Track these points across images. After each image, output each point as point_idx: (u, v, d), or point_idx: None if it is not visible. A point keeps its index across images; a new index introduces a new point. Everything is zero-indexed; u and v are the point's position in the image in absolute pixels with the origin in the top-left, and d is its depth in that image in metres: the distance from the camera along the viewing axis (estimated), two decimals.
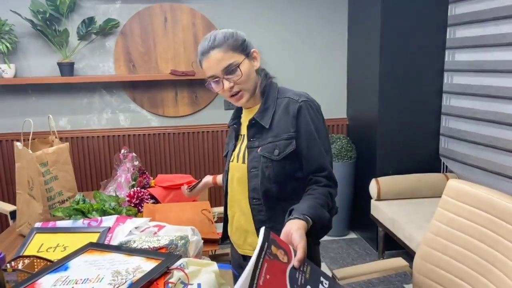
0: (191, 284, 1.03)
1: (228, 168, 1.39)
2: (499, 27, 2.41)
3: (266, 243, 0.97)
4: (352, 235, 3.29)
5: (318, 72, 3.27)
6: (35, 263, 1.17)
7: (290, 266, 0.99)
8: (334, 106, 3.30)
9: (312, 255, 1.36)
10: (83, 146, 3.05)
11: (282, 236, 1.08)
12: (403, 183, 2.83)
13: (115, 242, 1.29)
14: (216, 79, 1.26)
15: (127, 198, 1.65)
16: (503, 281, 1.21)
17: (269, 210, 1.30)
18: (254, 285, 0.87)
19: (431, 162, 2.98)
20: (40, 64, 2.94)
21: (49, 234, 1.39)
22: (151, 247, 1.20)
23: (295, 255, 1.01)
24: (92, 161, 3.07)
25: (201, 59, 1.27)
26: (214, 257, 1.49)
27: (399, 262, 1.56)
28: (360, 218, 3.20)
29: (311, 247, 1.29)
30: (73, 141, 3.02)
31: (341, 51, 3.29)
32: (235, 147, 1.39)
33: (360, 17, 3.07)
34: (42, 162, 1.55)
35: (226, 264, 1.35)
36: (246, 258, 1.39)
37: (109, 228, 1.37)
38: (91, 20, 2.88)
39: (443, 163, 2.98)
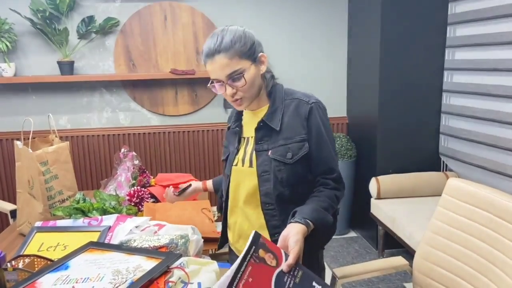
0: (192, 283, 1.03)
1: (230, 172, 1.34)
2: (499, 26, 2.41)
3: (254, 247, 0.97)
4: (352, 234, 3.29)
5: (318, 70, 3.26)
6: (36, 262, 1.17)
7: (278, 270, 0.99)
8: (334, 105, 3.30)
9: (315, 259, 1.35)
10: (83, 145, 3.05)
11: (280, 239, 1.08)
12: (403, 181, 2.83)
13: (115, 241, 1.29)
14: (220, 83, 1.23)
15: (127, 197, 1.65)
16: (503, 280, 1.21)
17: (282, 214, 1.27)
18: (233, 287, 0.87)
19: (431, 161, 2.98)
20: (40, 63, 2.94)
21: (50, 233, 1.39)
22: (152, 246, 1.20)
23: (286, 259, 1.01)
24: (92, 160, 3.07)
25: (206, 60, 1.23)
26: (214, 256, 1.49)
27: (399, 261, 1.56)
28: (360, 217, 3.20)
29: (312, 251, 1.28)
30: (73, 140, 3.02)
31: (341, 50, 3.29)
32: (238, 150, 1.34)
33: (360, 15, 3.07)
34: (42, 161, 1.55)
35: (226, 263, 1.35)
36: None
37: (109, 227, 1.37)
38: (91, 19, 2.88)
39: (443, 162, 2.98)
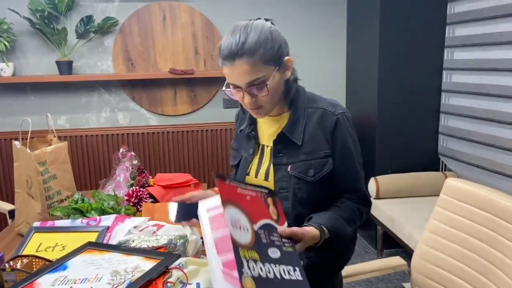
0: (190, 284, 1.03)
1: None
2: (498, 26, 2.41)
3: (268, 190, 0.98)
4: None
5: (317, 70, 3.26)
6: (34, 263, 1.16)
7: (271, 222, 0.99)
8: (332, 100, 3.29)
9: (331, 285, 1.23)
10: (81, 145, 3.04)
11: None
12: (402, 181, 2.83)
13: (113, 241, 1.29)
14: (237, 88, 1.08)
15: (126, 197, 1.64)
16: (502, 279, 1.21)
17: None
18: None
19: (430, 161, 2.98)
20: (39, 63, 2.93)
21: (48, 233, 1.39)
22: (150, 246, 1.19)
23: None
24: (91, 160, 3.07)
25: (223, 62, 1.05)
26: None
27: (397, 261, 1.56)
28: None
29: (329, 273, 1.18)
30: (72, 140, 3.02)
31: (340, 50, 3.29)
32: (252, 158, 1.21)
33: (359, 15, 3.07)
34: (41, 161, 1.54)
35: None
36: None
37: (108, 228, 1.37)
38: (89, 19, 2.87)
39: (442, 162, 2.98)
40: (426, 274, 1.45)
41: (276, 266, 0.93)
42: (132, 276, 1.02)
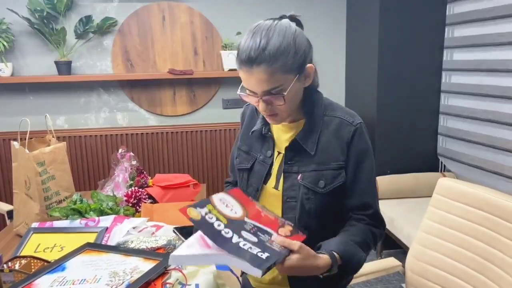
0: (189, 285, 1.02)
1: (260, 189, 1.14)
2: (497, 26, 2.41)
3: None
4: None
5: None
6: (32, 264, 1.16)
7: (264, 227, 0.97)
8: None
9: None
10: (80, 145, 3.04)
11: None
12: (401, 182, 2.83)
13: (112, 242, 1.29)
14: (253, 94, 1.02)
15: (125, 198, 1.64)
16: (502, 277, 1.21)
17: None
18: None
19: (429, 162, 2.98)
20: (38, 63, 2.92)
21: (46, 234, 1.38)
22: (149, 247, 1.19)
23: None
24: (89, 161, 3.06)
25: (240, 66, 0.99)
26: None
27: (391, 262, 1.56)
28: None
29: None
30: (71, 140, 3.01)
31: (339, 51, 3.29)
32: (272, 161, 1.14)
33: (359, 16, 3.07)
34: (39, 161, 1.54)
35: (224, 265, 1.34)
36: None
37: (107, 228, 1.36)
38: (88, 19, 2.87)
39: (441, 163, 2.98)
40: (422, 274, 1.45)
41: (241, 240, 0.91)
42: (131, 277, 1.02)
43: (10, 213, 2.15)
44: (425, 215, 1.47)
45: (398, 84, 2.86)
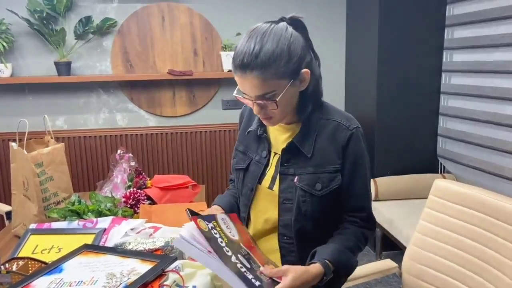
0: (186, 287, 1.02)
1: (254, 189, 1.15)
2: (497, 28, 2.41)
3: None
4: None
5: None
6: (30, 265, 1.16)
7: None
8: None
9: None
10: (80, 146, 3.04)
11: (283, 268, 0.97)
12: (400, 183, 2.83)
13: (110, 243, 1.28)
14: (248, 96, 1.04)
15: (123, 199, 1.64)
16: (499, 278, 1.21)
17: (301, 251, 1.11)
18: None
19: (429, 163, 2.97)
20: (37, 64, 2.92)
21: (44, 235, 1.38)
22: (147, 249, 1.19)
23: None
24: (89, 161, 3.06)
25: (235, 70, 1.01)
26: None
27: (388, 263, 1.55)
28: None
29: None
30: (70, 141, 3.01)
31: (339, 51, 3.29)
32: (267, 163, 1.15)
33: (358, 17, 3.07)
34: (37, 162, 1.53)
35: None
36: None
37: (105, 230, 1.36)
38: (88, 20, 2.86)
39: (441, 164, 2.97)
40: (418, 276, 1.45)
41: (238, 262, 0.96)
42: (128, 279, 1.02)
43: (8, 214, 2.14)
44: (421, 216, 1.47)
45: (397, 85, 2.85)
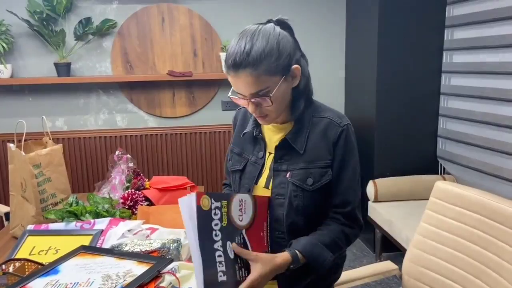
0: None
1: (252, 190, 1.17)
2: (497, 29, 2.40)
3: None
4: None
5: (316, 73, 3.22)
6: (26, 266, 1.16)
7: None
8: (332, 107, 3.29)
9: None
10: (79, 147, 3.04)
11: (255, 255, 1.02)
12: (400, 184, 2.82)
13: (107, 245, 1.28)
14: (242, 96, 1.07)
15: (121, 200, 1.63)
16: (498, 282, 1.21)
17: None
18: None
19: (429, 164, 2.97)
20: (37, 65, 2.93)
21: (42, 236, 1.38)
22: (143, 250, 1.19)
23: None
24: (89, 162, 3.06)
25: (228, 71, 1.04)
26: None
27: (388, 265, 1.55)
28: None
29: None
30: (70, 142, 3.01)
31: (339, 53, 3.28)
32: (263, 164, 1.17)
33: (358, 18, 3.06)
34: (35, 163, 1.54)
35: None
36: None
37: (102, 231, 1.36)
38: (88, 21, 2.87)
39: (441, 165, 2.97)
40: (418, 278, 1.45)
41: (220, 250, 0.98)
42: (124, 280, 1.02)
43: (7, 215, 2.15)
44: (422, 218, 1.46)
45: (397, 86, 2.85)
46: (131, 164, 1.81)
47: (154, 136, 3.11)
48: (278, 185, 1.13)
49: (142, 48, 3.01)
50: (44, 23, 2.78)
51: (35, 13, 2.74)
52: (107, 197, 1.63)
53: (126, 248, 1.20)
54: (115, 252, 1.18)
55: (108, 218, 1.43)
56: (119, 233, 1.31)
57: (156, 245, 1.20)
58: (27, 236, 1.38)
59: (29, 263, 1.16)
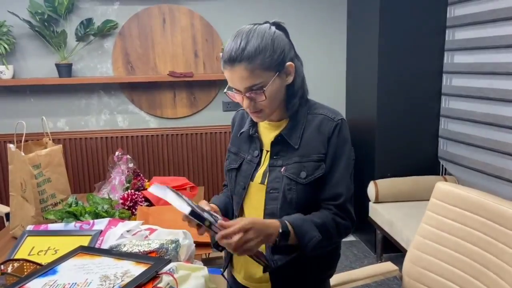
0: None
1: (247, 187, 1.19)
2: (498, 29, 2.39)
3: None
4: (351, 238, 3.28)
5: (317, 74, 3.25)
6: (25, 267, 1.16)
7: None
8: (333, 108, 3.28)
9: None
10: (81, 147, 3.04)
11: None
12: (401, 185, 2.81)
13: (106, 245, 1.28)
14: (238, 92, 1.09)
15: (121, 201, 1.64)
16: (498, 283, 1.20)
17: None
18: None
19: (430, 165, 2.96)
20: (38, 65, 2.94)
21: (41, 237, 1.38)
22: (142, 251, 1.18)
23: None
24: (90, 163, 3.07)
25: (224, 66, 1.08)
26: (207, 261, 1.48)
27: (388, 266, 1.54)
28: (359, 221, 3.17)
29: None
30: (71, 143, 3.02)
31: (340, 53, 3.28)
32: (259, 162, 1.19)
33: (359, 19, 3.06)
34: (35, 164, 1.54)
35: (218, 268, 1.34)
36: None
37: (101, 231, 1.36)
38: (89, 22, 2.88)
39: (442, 166, 2.96)
40: (418, 279, 1.44)
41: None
42: (122, 281, 1.01)
43: (8, 215, 2.15)
44: (423, 219, 1.46)
45: (398, 86, 2.84)
46: (131, 165, 1.82)
47: (155, 136, 3.11)
48: (273, 179, 1.15)
49: (143, 49, 3.01)
50: (46, 24, 2.79)
51: (37, 14, 2.75)
52: (107, 197, 1.63)
53: (124, 249, 1.20)
54: (114, 252, 1.18)
55: (107, 219, 1.43)
56: (118, 233, 1.31)
57: (154, 245, 1.20)
58: (27, 236, 1.39)
59: (28, 264, 1.16)
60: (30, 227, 1.42)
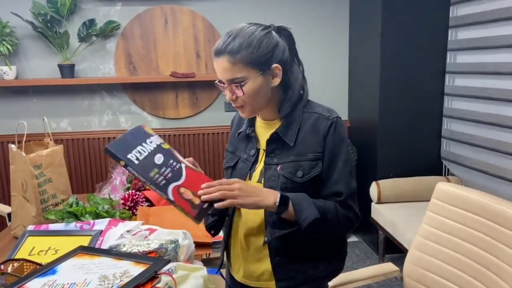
0: None
1: None
2: (501, 29, 2.38)
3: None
4: (354, 238, 3.27)
5: (320, 74, 3.25)
6: (25, 267, 1.16)
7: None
8: (336, 108, 3.24)
9: None
10: (83, 148, 3.05)
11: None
12: (403, 186, 2.80)
13: (106, 245, 1.29)
14: (223, 84, 1.14)
15: (122, 201, 1.64)
16: (499, 284, 1.20)
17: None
18: None
19: (433, 165, 2.95)
20: (41, 66, 2.95)
21: (41, 237, 1.38)
22: (141, 251, 1.18)
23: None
24: (92, 163, 3.08)
25: (213, 57, 1.13)
26: (207, 261, 1.48)
27: (389, 267, 1.54)
28: (361, 221, 3.17)
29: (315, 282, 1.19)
30: (74, 143, 3.03)
31: (343, 53, 3.27)
32: (255, 160, 1.20)
33: (362, 19, 3.05)
34: (36, 164, 1.54)
35: (217, 268, 1.34)
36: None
37: (101, 232, 1.36)
38: (91, 22, 2.89)
39: (445, 166, 2.95)
40: (419, 280, 1.44)
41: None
42: (120, 281, 1.01)
43: (10, 215, 2.16)
44: (423, 220, 1.45)
45: (401, 86, 2.84)
46: None
47: None
48: (269, 178, 1.15)
49: (146, 50, 3.02)
50: (48, 24, 2.80)
51: (39, 15, 2.76)
52: (108, 197, 1.64)
53: (124, 249, 1.20)
54: (113, 252, 1.18)
55: (108, 219, 1.43)
56: (118, 233, 1.32)
57: (154, 245, 1.20)
58: (27, 236, 1.39)
59: (28, 263, 1.17)
60: (31, 227, 1.43)
